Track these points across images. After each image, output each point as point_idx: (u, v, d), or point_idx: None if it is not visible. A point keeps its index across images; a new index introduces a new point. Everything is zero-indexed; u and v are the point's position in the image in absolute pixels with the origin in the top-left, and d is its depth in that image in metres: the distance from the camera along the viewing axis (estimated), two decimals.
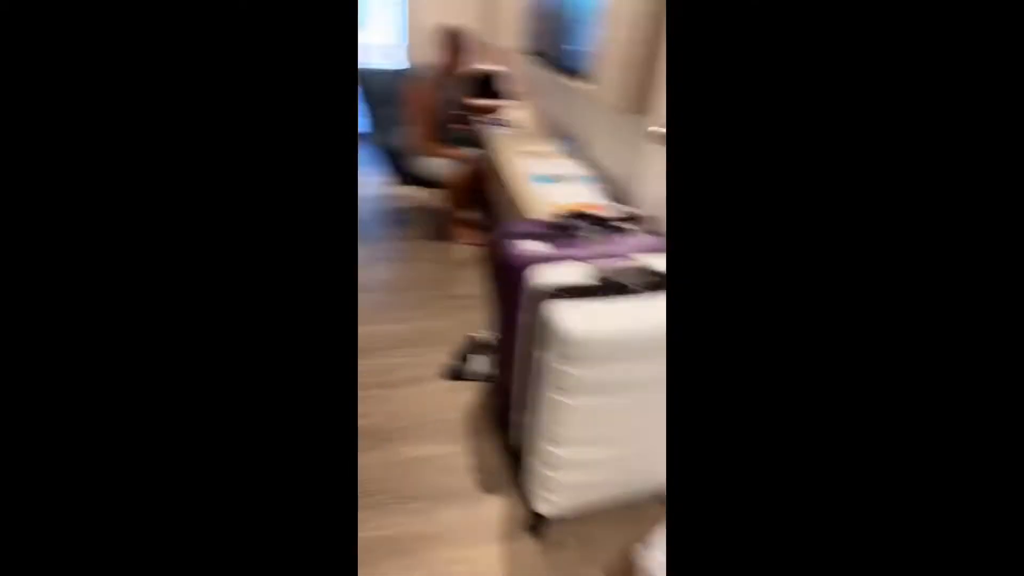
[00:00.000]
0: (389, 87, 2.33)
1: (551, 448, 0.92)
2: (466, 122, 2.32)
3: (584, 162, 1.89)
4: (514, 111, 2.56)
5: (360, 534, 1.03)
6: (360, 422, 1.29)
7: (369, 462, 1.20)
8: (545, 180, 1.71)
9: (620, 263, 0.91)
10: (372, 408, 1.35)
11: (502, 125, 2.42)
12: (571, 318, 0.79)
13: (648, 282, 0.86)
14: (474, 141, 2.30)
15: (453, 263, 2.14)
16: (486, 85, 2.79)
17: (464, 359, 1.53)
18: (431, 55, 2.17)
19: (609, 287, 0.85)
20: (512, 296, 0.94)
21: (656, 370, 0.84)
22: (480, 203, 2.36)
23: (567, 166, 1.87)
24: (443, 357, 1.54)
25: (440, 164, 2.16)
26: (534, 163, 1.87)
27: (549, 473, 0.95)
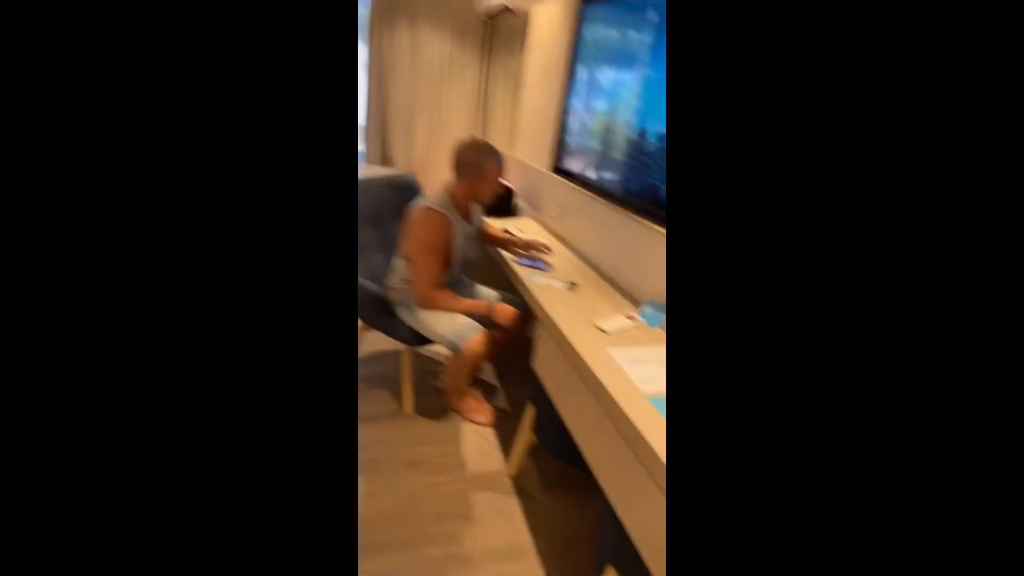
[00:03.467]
0: (380, 203, 1.77)
1: None
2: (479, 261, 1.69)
3: None
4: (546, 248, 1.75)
5: None
6: None
7: None
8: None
9: None
10: None
11: (541, 267, 1.62)
12: None
13: None
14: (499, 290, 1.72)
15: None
16: (504, 208, 2.17)
17: None
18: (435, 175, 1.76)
19: None
20: None
21: None
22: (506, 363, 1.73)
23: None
24: None
25: (450, 322, 1.49)
26: (630, 352, 1.13)
27: None
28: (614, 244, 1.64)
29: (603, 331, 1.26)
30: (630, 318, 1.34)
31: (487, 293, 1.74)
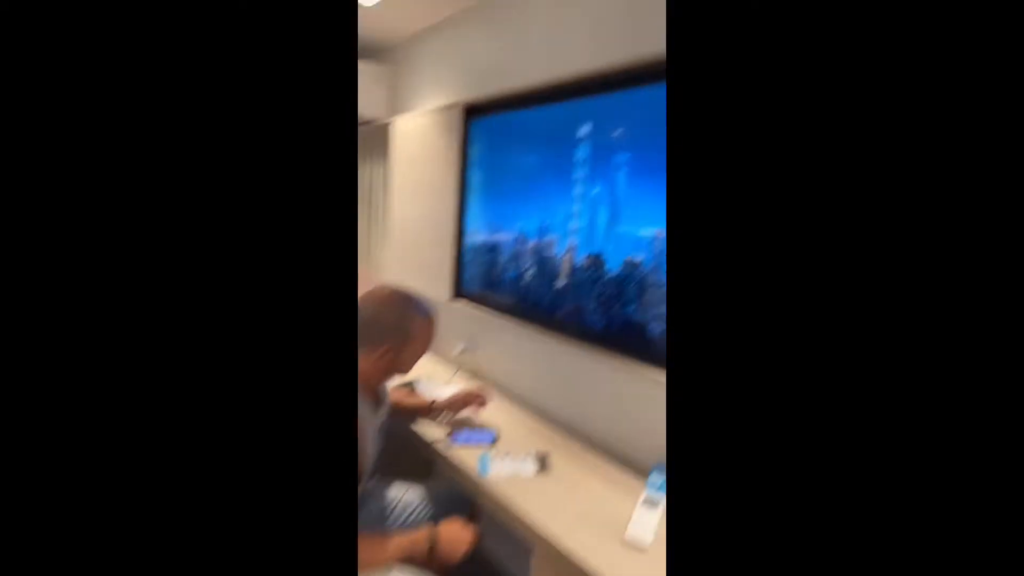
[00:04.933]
0: None
1: None
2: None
3: None
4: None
5: None
6: None
7: None
8: None
9: None
10: None
11: (486, 439, 1.17)
12: None
13: None
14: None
15: None
16: None
17: None
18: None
19: None
20: None
21: None
22: None
23: None
24: None
25: None
26: None
27: None
28: (579, 389, 1.30)
29: (638, 548, 0.87)
30: (649, 503, 0.99)
31: (408, 498, 1.15)
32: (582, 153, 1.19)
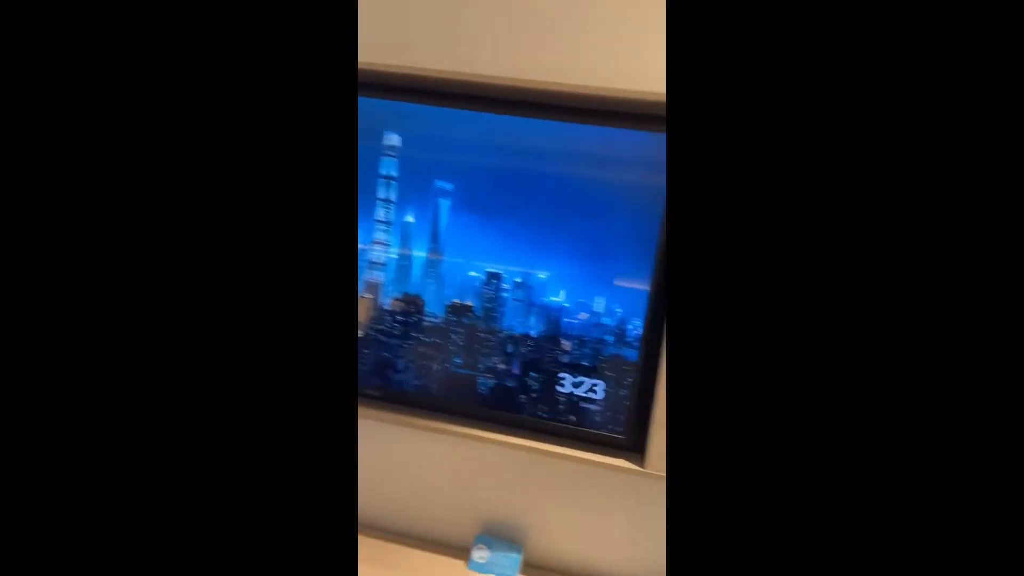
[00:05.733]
0: None
1: None
2: None
3: None
4: None
5: None
6: None
7: None
8: None
9: None
10: None
11: None
12: None
13: None
14: None
15: None
16: None
17: None
18: None
19: None
20: None
21: None
22: None
23: None
24: None
25: None
26: None
27: None
28: (384, 464, 1.01)
29: None
30: None
31: None
32: (388, 168, 0.95)
